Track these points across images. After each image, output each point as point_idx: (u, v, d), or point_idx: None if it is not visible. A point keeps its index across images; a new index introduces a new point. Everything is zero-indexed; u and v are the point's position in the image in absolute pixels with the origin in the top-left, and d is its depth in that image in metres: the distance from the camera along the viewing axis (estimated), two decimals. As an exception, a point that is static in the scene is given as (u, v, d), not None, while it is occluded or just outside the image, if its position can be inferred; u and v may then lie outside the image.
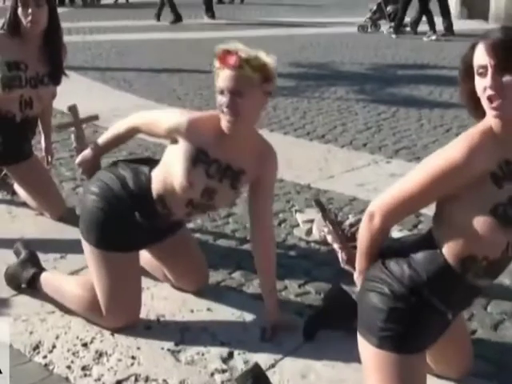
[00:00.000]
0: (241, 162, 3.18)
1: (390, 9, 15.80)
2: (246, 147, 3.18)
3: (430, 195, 2.44)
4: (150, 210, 3.24)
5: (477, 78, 2.33)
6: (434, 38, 14.50)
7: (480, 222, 2.33)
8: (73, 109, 3.95)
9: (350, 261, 2.89)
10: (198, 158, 3.09)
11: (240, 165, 3.18)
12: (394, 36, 14.80)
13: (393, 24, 15.23)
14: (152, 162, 3.37)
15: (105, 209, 3.25)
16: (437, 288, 2.47)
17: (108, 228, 3.26)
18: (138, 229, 3.28)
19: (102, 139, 3.51)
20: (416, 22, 15.12)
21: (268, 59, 2.99)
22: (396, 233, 4.05)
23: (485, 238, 2.35)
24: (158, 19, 16.97)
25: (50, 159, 4.85)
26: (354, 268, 2.77)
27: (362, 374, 2.63)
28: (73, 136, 3.93)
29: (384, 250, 2.62)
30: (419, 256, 2.49)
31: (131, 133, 3.43)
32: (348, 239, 3.12)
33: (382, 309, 2.49)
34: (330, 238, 3.11)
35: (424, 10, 14.84)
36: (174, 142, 3.15)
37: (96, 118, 4.11)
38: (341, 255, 2.98)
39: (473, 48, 2.35)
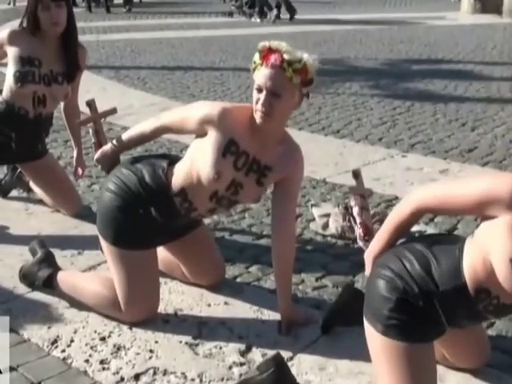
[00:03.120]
0: (268, 159, 3.15)
1: None
2: (275, 145, 3.15)
3: (466, 211, 2.47)
4: (168, 205, 3.23)
5: None
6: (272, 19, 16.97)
7: (501, 266, 2.27)
8: (91, 103, 3.94)
9: (367, 238, 2.91)
10: (228, 149, 3.07)
11: (267, 161, 3.16)
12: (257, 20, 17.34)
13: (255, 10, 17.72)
14: (170, 157, 3.35)
15: (121, 206, 3.24)
16: (447, 303, 2.45)
17: (124, 226, 3.24)
18: (156, 227, 3.26)
19: (124, 136, 3.46)
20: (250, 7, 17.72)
21: (310, 61, 2.96)
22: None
23: (501, 282, 2.30)
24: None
25: (80, 172, 4.73)
26: (367, 246, 2.80)
27: (372, 359, 2.64)
28: (91, 131, 3.91)
29: (408, 243, 2.61)
30: (443, 268, 2.45)
31: (158, 132, 3.39)
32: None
33: (391, 299, 2.49)
34: (355, 211, 3.15)
35: None
36: (202, 135, 3.12)
37: (114, 111, 4.08)
38: (359, 231, 3.00)
39: None
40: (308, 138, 6.55)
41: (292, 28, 15.38)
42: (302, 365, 3.04)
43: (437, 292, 2.45)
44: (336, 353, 3.11)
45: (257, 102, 2.98)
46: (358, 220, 3.14)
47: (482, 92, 8.75)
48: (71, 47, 4.31)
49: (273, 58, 2.91)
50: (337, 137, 6.69)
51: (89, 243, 4.02)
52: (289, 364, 2.97)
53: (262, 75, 2.95)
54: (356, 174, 3.30)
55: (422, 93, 8.70)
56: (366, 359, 2.78)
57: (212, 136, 3.07)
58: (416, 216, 2.59)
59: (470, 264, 2.39)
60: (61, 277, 3.53)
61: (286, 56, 2.91)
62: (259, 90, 2.97)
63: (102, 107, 4.09)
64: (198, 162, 3.13)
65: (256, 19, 17.32)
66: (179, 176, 3.19)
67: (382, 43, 13.10)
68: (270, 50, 2.93)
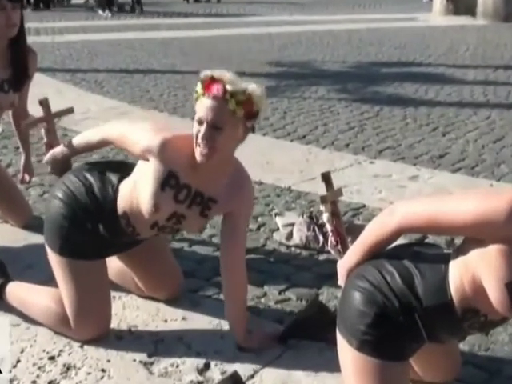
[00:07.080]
0: (213, 191, 3.02)
1: None
2: (220, 176, 3.01)
3: (457, 231, 2.37)
4: (114, 223, 3.11)
5: None
6: (110, 15, 18.33)
7: (492, 288, 2.20)
8: (44, 102, 3.80)
9: (339, 248, 2.87)
10: (168, 182, 2.94)
11: (211, 193, 3.02)
12: (106, 14, 18.71)
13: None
14: (123, 170, 3.20)
15: (68, 216, 3.13)
16: (430, 320, 2.37)
17: (71, 236, 3.13)
18: (103, 239, 3.15)
19: (75, 141, 3.36)
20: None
21: (257, 92, 2.80)
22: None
23: (491, 303, 2.23)
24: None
25: (27, 178, 4.55)
26: (340, 255, 2.72)
27: (342, 374, 2.56)
28: (43, 131, 3.77)
29: (387, 254, 2.50)
30: (428, 282, 2.36)
31: (104, 144, 3.32)
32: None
33: (368, 313, 2.40)
34: (325, 217, 3.06)
35: None
36: (145, 159, 2.99)
37: (71, 110, 3.93)
38: (330, 238, 2.95)
39: None
40: (273, 143, 6.43)
41: (256, 30, 15.23)
42: (264, 382, 2.91)
43: (419, 308, 2.36)
44: (299, 369, 2.99)
45: (197, 135, 2.82)
46: (329, 227, 3.03)
47: (454, 96, 8.69)
48: (21, 53, 4.08)
49: (215, 89, 2.75)
50: (302, 143, 6.55)
51: (39, 256, 3.80)
52: (249, 382, 2.87)
53: (203, 106, 2.79)
54: (326, 177, 3.15)
55: (391, 97, 8.62)
56: (329, 375, 2.70)
57: (152, 165, 2.93)
58: (399, 234, 2.46)
59: (459, 283, 2.30)
60: (10, 289, 3.40)
61: (228, 87, 2.75)
62: (200, 122, 2.81)
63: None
64: (138, 187, 3.01)
65: (101, 12, 18.81)
66: (123, 197, 3.08)
67: (351, 45, 13.06)
68: (213, 80, 2.77)
